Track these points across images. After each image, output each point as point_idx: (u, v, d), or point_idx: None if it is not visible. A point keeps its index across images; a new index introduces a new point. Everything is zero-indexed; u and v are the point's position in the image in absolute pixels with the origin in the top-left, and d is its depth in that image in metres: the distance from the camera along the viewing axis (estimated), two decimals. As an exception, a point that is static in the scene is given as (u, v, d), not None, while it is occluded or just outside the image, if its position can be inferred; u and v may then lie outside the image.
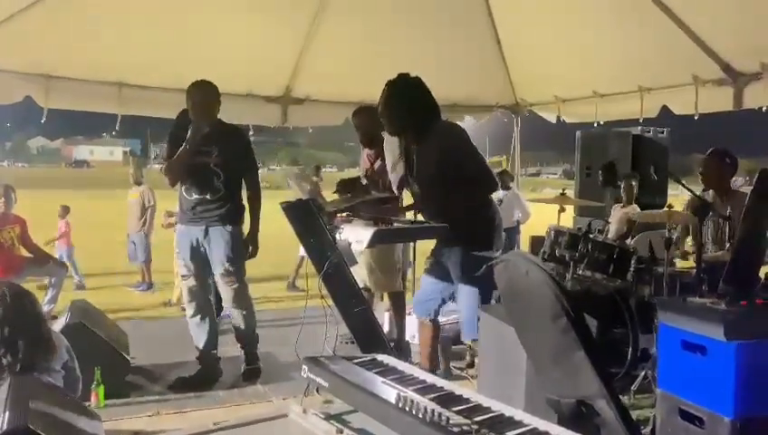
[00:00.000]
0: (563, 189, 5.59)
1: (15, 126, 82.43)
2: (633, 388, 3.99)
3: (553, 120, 6.98)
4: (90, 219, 17.74)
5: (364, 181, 4.94)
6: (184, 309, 4.89)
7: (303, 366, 1.83)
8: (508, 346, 2.86)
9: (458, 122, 6.10)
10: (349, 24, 5.59)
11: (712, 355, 2.64)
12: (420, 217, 4.11)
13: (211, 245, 4.33)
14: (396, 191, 4.28)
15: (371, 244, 3.45)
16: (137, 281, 8.70)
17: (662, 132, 8.46)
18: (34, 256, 6.59)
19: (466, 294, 3.79)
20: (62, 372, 2.96)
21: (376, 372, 1.83)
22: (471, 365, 4.62)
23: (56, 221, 9.04)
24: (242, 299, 4.45)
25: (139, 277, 8.70)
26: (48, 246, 7.48)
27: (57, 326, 4.02)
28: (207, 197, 4.29)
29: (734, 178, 5.15)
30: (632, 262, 4.30)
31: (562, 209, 5.26)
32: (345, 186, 4.81)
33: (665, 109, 5.64)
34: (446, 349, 4.52)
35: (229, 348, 4.67)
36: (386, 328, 5.04)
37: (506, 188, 8.48)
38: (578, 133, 8.94)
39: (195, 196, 4.31)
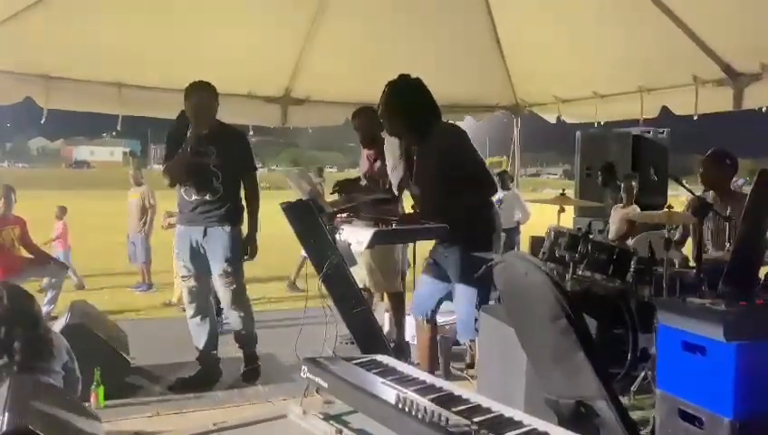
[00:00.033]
0: (563, 190, 5.59)
1: (15, 126, 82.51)
2: (633, 388, 4.00)
3: (553, 121, 6.99)
4: (90, 220, 17.76)
5: (364, 182, 4.94)
6: (184, 310, 4.89)
7: (303, 367, 1.83)
8: (508, 347, 2.86)
9: (458, 123, 6.12)
10: (349, 25, 5.60)
11: (711, 356, 2.64)
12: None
13: (210, 245, 4.33)
14: (396, 192, 4.28)
15: (371, 244, 3.44)
16: (137, 282, 8.70)
17: (662, 133, 8.46)
18: (35, 257, 6.59)
19: (463, 294, 3.79)
20: (61, 372, 2.96)
21: (375, 373, 1.83)
22: (471, 366, 4.62)
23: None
24: (240, 300, 4.44)
25: (139, 278, 8.70)
26: (45, 248, 7.47)
27: (57, 327, 4.03)
28: (206, 198, 4.29)
29: (734, 179, 5.16)
30: (632, 262, 4.30)
31: (562, 210, 5.26)
32: (343, 187, 4.81)
33: (665, 109, 5.65)
34: (446, 349, 4.52)
35: (229, 348, 4.67)
36: (385, 329, 5.04)
37: (506, 188, 8.49)
38: (578, 134, 8.93)
39: (194, 197, 4.32)
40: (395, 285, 4.95)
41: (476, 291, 3.70)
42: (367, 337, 3.67)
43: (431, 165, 3.78)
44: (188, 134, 4.18)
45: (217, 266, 4.34)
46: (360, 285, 4.43)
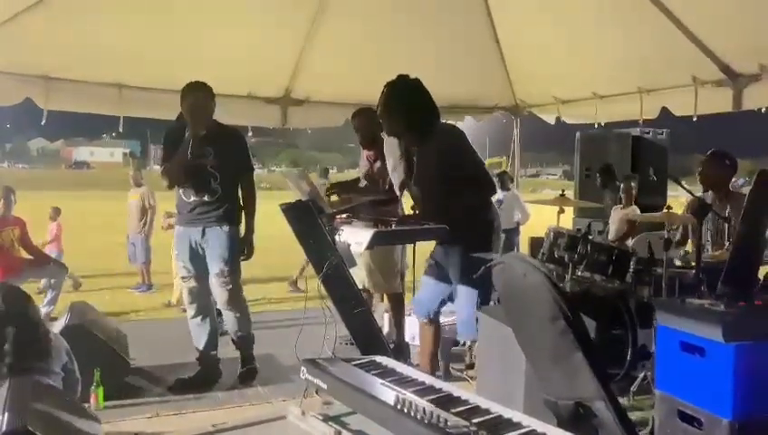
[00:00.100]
0: (563, 190, 5.59)
1: (15, 127, 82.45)
2: (633, 389, 4.00)
3: (552, 122, 6.99)
4: (89, 221, 17.77)
5: (364, 182, 4.95)
6: (184, 310, 4.90)
7: (302, 368, 1.83)
8: (507, 347, 2.86)
9: (458, 123, 6.12)
10: (349, 25, 5.59)
11: (710, 357, 2.64)
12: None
13: (208, 245, 4.33)
14: (398, 192, 4.28)
15: (371, 245, 3.45)
16: (137, 282, 8.70)
17: (661, 133, 8.48)
18: (34, 258, 6.60)
19: (464, 294, 3.79)
20: (61, 373, 2.96)
21: (375, 374, 1.83)
22: (470, 366, 4.63)
23: (61, 224, 9.05)
24: (236, 301, 4.42)
25: (138, 279, 8.70)
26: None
27: (56, 328, 4.03)
28: (205, 198, 4.29)
29: (734, 179, 5.16)
30: (631, 263, 4.30)
31: (562, 211, 5.26)
32: (339, 188, 4.81)
33: (664, 110, 5.65)
34: (446, 350, 4.52)
35: (229, 349, 4.67)
36: (385, 329, 5.05)
37: (506, 189, 8.49)
38: (577, 134, 8.96)
39: (192, 198, 4.31)
40: (394, 286, 4.95)
41: (477, 291, 3.71)
42: (366, 338, 3.67)
43: (430, 165, 3.79)
44: (186, 135, 4.18)
45: (215, 266, 4.34)
46: (360, 286, 4.43)
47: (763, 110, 5.01)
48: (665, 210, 4.50)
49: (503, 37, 6.11)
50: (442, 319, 4.25)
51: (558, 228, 4.50)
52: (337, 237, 3.52)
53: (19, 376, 2.69)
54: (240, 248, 4.39)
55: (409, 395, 1.64)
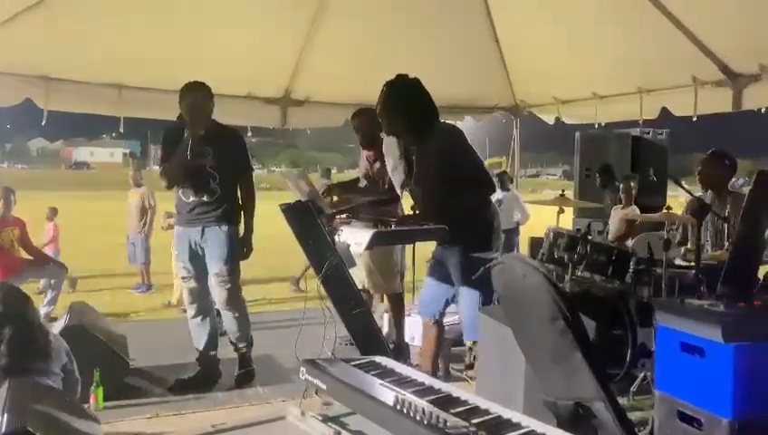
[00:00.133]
0: (562, 191, 5.59)
1: (15, 128, 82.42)
2: (632, 389, 4.00)
3: (552, 122, 6.99)
4: (89, 221, 17.78)
5: (364, 182, 4.95)
6: (184, 311, 4.89)
7: (302, 368, 1.84)
8: (507, 348, 2.86)
9: (458, 123, 6.12)
10: (349, 25, 5.59)
11: (710, 357, 2.64)
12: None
13: (207, 245, 4.32)
14: (399, 192, 4.28)
15: (370, 245, 3.45)
16: (136, 283, 8.70)
17: (661, 134, 8.48)
18: (34, 258, 6.60)
19: (467, 295, 3.80)
20: (61, 374, 2.96)
21: (374, 375, 1.83)
22: (470, 367, 4.62)
23: (58, 224, 9.04)
24: (234, 301, 4.40)
25: (138, 279, 8.70)
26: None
27: (56, 328, 4.03)
28: (204, 199, 4.29)
29: (734, 179, 5.16)
30: (631, 263, 4.30)
31: (561, 211, 5.27)
32: (339, 189, 4.81)
33: (664, 110, 5.65)
34: (446, 351, 4.53)
35: (229, 349, 4.66)
36: (385, 330, 5.04)
37: (506, 189, 8.50)
38: (577, 135, 8.95)
39: (191, 198, 4.31)
40: (394, 287, 4.95)
41: (480, 292, 3.70)
42: (366, 338, 3.67)
43: (430, 165, 3.79)
44: (185, 136, 4.17)
45: (214, 266, 4.33)
46: (360, 287, 4.43)
47: (763, 110, 5.01)
48: (664, 210, 4.50)
49: (502, 37, 6.11)
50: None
51: (557, 229, 4.50)
52: (336, 238, 3.52)
53: (18, 377, 2.69)
54: (239, 248, 4.38)
55: (409, 396, 1.64)
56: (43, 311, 6.09)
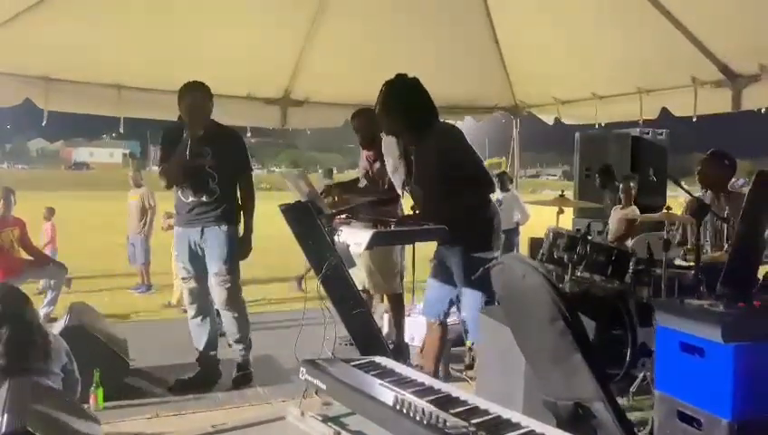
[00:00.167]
0: (562, 191, 5.60)
1: (15, 128, 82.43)
2: (632, 389, 4.00)
3: (551, 122, 7.00)
4: (89, 221, 17.79)
5: (364, 182, 4.95)
6: (184, 311, 4.89)
7: (301, 369, 1.84)
8: (507, 348, 2.86)
9: (458, 123, 6.12)
10: (349, 25, 5.59)
11: (710, 357, 2.64)
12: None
13: (207, 245, 4.32)
14: (399, 192, 4.28)
15: (370, 246, 3.44)
16: (136, 283, 8.70)
17: (661, 134, 8.48)
18: (34, 259, 6.59)
19: (470, 296, 3.80)
20: (61, 374, 2.96)
21: (374, 375, 1.83)
22: (470, 367, 4.63)
23: (57, 223, 9.03)
24: (234, 301, 4.39)
25: (138, 279, 8.70)
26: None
27: (56, 329, 4.03)
28: (203, 199, 4.28)
29: (734, 180, 5.16)
30: (631, 263, 4.30)
31: (561, 211, 5.27)
32: (338, 189, 4.81)
33: (664, 110, 5.65)
34: (446, 351, 4.52)
35: (229, 350, 4.67)
36: (384, 330, 5.05)
37: (505, 189, 8.50)
38: (576, 135, 8.95)
39: (191, 198, 4.30)
40: (394, 287, 4.95)
41: (483, 292, 3.69)
42: (365, 339, 3.67)
43: (430, 165, 3.78)
44: (184, 136, 4.16)
45: (213, 266, 4.32)
46: (360, 287, 4.43)
47: (763, 110, 5.02)
48: (664, 211, 4.50)
49: (502, 38, 6.11)
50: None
51: (557, 229, 4.50)
52: (336, 238, 3.52)
53: (18, 377, 2.69)
54: (239, 248, 4.38)
55: (408, 396, 1.64)
56: (42, 311, 6.09)
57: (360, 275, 4.65)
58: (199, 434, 1.82)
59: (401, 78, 3.80)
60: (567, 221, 7.57)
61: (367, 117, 4.73)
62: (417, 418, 1.48)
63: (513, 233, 8.38)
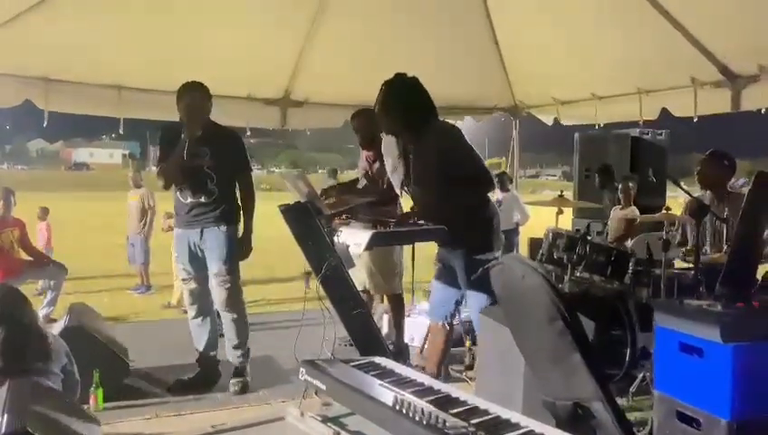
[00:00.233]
0: (561, 191, 5.60)
1: (15, 128, 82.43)
2: (632, 390, 4.00)
3: (550, 123, 7.00)
4: (89, 222, 17.79)
5: (364, 182, 4.95)
6: (184, 311, 4.88)
7: (301, 369, 1.84)
8: (506, 348, 2.86)
9: (457, 123, 6.13)
10: (349, 25, 5.60)
11: (709, 357, 2.65)
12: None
13: (207, 245, 4.30)
14: (398, 192, 4.29)
15: (369, 246, 3.45)
16: (135, 284, 8.70)
17: (660, 134, 8.48)
18: (34, 259, 6.59)
19: (475, 298, 3.81)
20: (60, 375, 2.96)
21: (373, 375, 1.83)
22: (470, 367, 4.63)
23: (56, 224, 9.02)
24: (234, 301, 4.36)
25: (137, 280, 8.70)
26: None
27: (56, 329, 4.02)
28: (202, 200, 4.27)
29: (734, 180, 5.16)
30: (630, 264, 4.30)
31: (560, 211, 5.27)
32: (337, 190, 4.81)
33: (664, 111, 5.66)
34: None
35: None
36: (384, 330, 5.05)
37: (505, 189, 8.50)
38: (576, 135, 8.95)
39: (189, 199, 4.29)
40: (394, 287, 4.95)
41: (487, 294, 3.68)
42: (365, 339, 3.67)
43: (429, 164, 3.78)
44: (182, 136, 4.15)
45: (213, 266, 4.31)
46: (360, 288, 4.43)
47: (763, 110, 5.02)
48: (663, 211, 4.50)
49: (501, 38, 6.12)
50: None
51: (557, 229, 4.51)
52: (336, 239, 3.52)
53: (15, 378, 2.69)
54: (238, 248, 4.36)
55: (408, 396, 1.64)
56: (42, 312, 6.09)
57: (360, 276, 4.65)
58: (199, 434, 1.82)
59: (401, 77, 3.80)
60: (566, 221, 7.57)
61: (366, 117, 4.73)
62: (417, 418, 1.48)
63: (512, 233, 8.38)
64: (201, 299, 4.44)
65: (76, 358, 3.19)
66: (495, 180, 5.64)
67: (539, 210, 6.35)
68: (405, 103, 3.77)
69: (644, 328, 4.12)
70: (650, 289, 4.30)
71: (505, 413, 1.56)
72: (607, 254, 4.30)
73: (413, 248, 4.98)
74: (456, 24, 5.84)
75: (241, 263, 4.41)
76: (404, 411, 1.52)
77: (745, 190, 3.61)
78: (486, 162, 4.43)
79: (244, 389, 4.33)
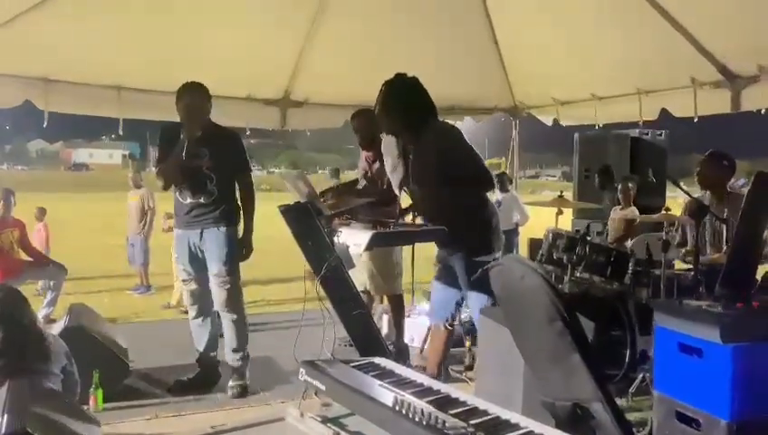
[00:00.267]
0: (561, 192, 5.60)
1: (15, 129, 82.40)
2: (631, 390, 4.00)
3: (550, 123, 7.00)
4: (89, 222, 17.78)
5: (363, 183, 4.95)
6: (184, 312, 4.88)
7: (301, 370, 1.84)
8: (506, 349, 2.86)
9: (457, 123, 6.13)
10: (349, 25, 5.60)
11: (708, 358, 2.65)
12: (418, 220, 4.12)
13: (207, 246, 4.30)
14: (396, 191, 4.29)
15: (369, 247, 3.45)
16: (135, 284, 8.71)
17: (660, 135, 8.48)
18: (34, 260, 6.59)
19: (476, 298, 3.81)
20: (60, 375, 2.96)
21: (373, 376, 1.83)
22: (470, 368, 4.63)
23: (56, 225, 9.01)
24: (234, 302, 4.34)
25: (137, 280, 8.70)
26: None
27: (56, 330, 4.02)
28: (201, 200, 4.26)
29: (734, 180, 5.16)
30: (630, 265, 4.30)
31: (560, 212, 5.28)
32: (336, 191, 4.81)
33: (664, 111, 5.66)
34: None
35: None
36: (384, 331, 5.05)
37: (505, 190, 8.50)
38: (576, 136, 8.95)
39: (189, 200, 4.28)
40: (394, 287, 4.96)
41: (488, 295, 3.68)
42: (365, 339, 3.68)
43: (429, 164, 3.79)
44: (181, 136, 4.14)
45: (213, 267, 4.30)
46: (360, 288, 4.43)
47: (762, 111, 5.02)
48: (663, 211, 4.50)
49: (501, 38, 6.12)
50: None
51: (556, 230, 4.51)
52: (336, 239, 3.52)
53: (15, 378, 2.69)
54: (238, 249, 4.36)
55: (408, 397, 1.64)
56: (42, 312, 6.09)
57: (360, 277, 4.65)
58: (199, 435, 1.82)
59: (401, 77, 3.81)
60: (566, 222, 7.57)
61: (366, 117, 4.74)
62: (417, 419, 1.48)
63: (512, 234, 8.38)
64: (202, 300, 4.43)
65: (76, 359, 3.20)
66: (495, 180, 5.65)
67: (538, 211, 6.35)
68: (405, 103, 3.77)
69: (643, 331, 4.12)
70: (650, 290, 4.30)
71: (505, 414, 1.56)
72: (606, 254, 4.30)
73: (413, 249, 4.98)
74: (455, 24, 5.84)
75: (241, 263, 4.40)
76: (404, 412, 1.52)
77: (745, 191, 3.61)
78: (486, 163, 4.43)
79: (242, 392, 4.31)
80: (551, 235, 4.44)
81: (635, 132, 8.19)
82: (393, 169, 4.13)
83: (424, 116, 3.81)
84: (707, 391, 2.65)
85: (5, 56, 4.81)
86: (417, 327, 5.29)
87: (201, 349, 4.45)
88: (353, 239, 3.46)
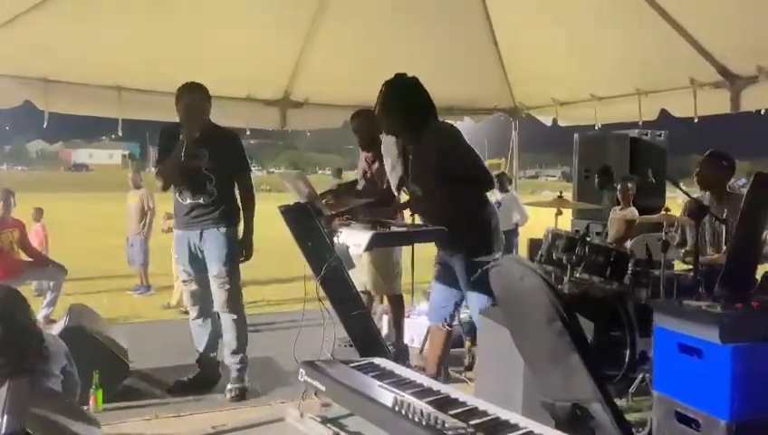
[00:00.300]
0: (561, 192, 5.60)
1: (14, 129, 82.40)
2: (631, 390, 4.00)
3: (549, 124, 7.01)
4: (88, 223, 17.78)
5: (363, 183, 4.95)
6: (184, 312, 4.87)
7: (300, 370, 1.84)
8: (506, 349, 2.86)
9: (457, 123, 6.13)
10: (349, 25, 5.60)
11: (708, 358, 2.65)
12: (418, 220, 4.13)
13: (206, 247, 4.29)
14: (396, 192, 4.29)
15: (369, 247, 3.45)
16: (135, 284, 8.71)
17: (660, 135, 8.48)
18: (34, 260, 6.59)
19: (476, 299, 3.81)
20: (60, 376, 2.96)
21: (373, 376, 1.84)
22: (469, 368, 4.63)
23: (56, 225, 9.01)
24: (234, 302, 4.33)
25: (137, 280, 8.70)
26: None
27: (56, 330, 4.03)
28: (201, 201, 4.25)
29: (734, 180, 5.17)
30: (629, 265, 4.31)
31: (560, 212, 5.28)
32: (336, 191, 4.81)
33: (664, 111, 5.67)
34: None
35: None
36: (384, 331, 5.05)
37: (505, 190, 8.51)
38: (575, 136, 8.95)
39: (189, 201, 4.28)
40: (394, 288, 4.96)
41: (488, 296, 3.68)
42: (365, 340, 3.68)
43: (429, 164, 3.79)
44: (181, 137, 4.14)
45: (213, 267, 4.29)
46: (360, 289, 4.43)
47: (762, 111, 5.03)
48: (662, 212, 4.50)
49: (501, 39, 6.12)
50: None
51: (556, 230, 4.51)
52: (335, 239, 3.52)
53: (14, 378, 2.69)
54: (239, 250, 4.35)
55: (407, 397, 1.65)
56: (42, 313, 6.09)
57: (360, 277, 4.65)
58: (199, 435, 1.82)
59: (400, 77, 3.81)
60: (566, 222, 7.57)
61: (366, 118, 4.74)
62: (416, 419, 1.48)
63: (512, 234, 8.37)
64: (202, 300, 4.43)
65: (76, 359, 3.19)
66: (495, 181, 5.65)
67: (538, 211, 6.35)
68: (405, 103, 3.78)
69: (642, 333, 4.12)
70: (649, 290, 4.30)
71: (505, 414, 1.57)
72: (606, 255, 4.30)
73: (413, 249, 4.99)
74: (455, 24, 5.84)
75: (241, 264, 4.41)
76: (403, 412, 1.52)
77: (745, 191, 3.61)
78: (486, 163, 4.43)
79: (241, 396, 4.29)
80: (550, 235, 4.44)
81: (634, 133, 8.19)
82: (392, 168, 4.13)
83: (424, 116, 3.82)
84: (707, 392, 2.65)
85: (5, 56, 4.81)
86: (417, 327, 5.29)
87: (201, 349, 4.45)
88: (353, 240, 3.46)
